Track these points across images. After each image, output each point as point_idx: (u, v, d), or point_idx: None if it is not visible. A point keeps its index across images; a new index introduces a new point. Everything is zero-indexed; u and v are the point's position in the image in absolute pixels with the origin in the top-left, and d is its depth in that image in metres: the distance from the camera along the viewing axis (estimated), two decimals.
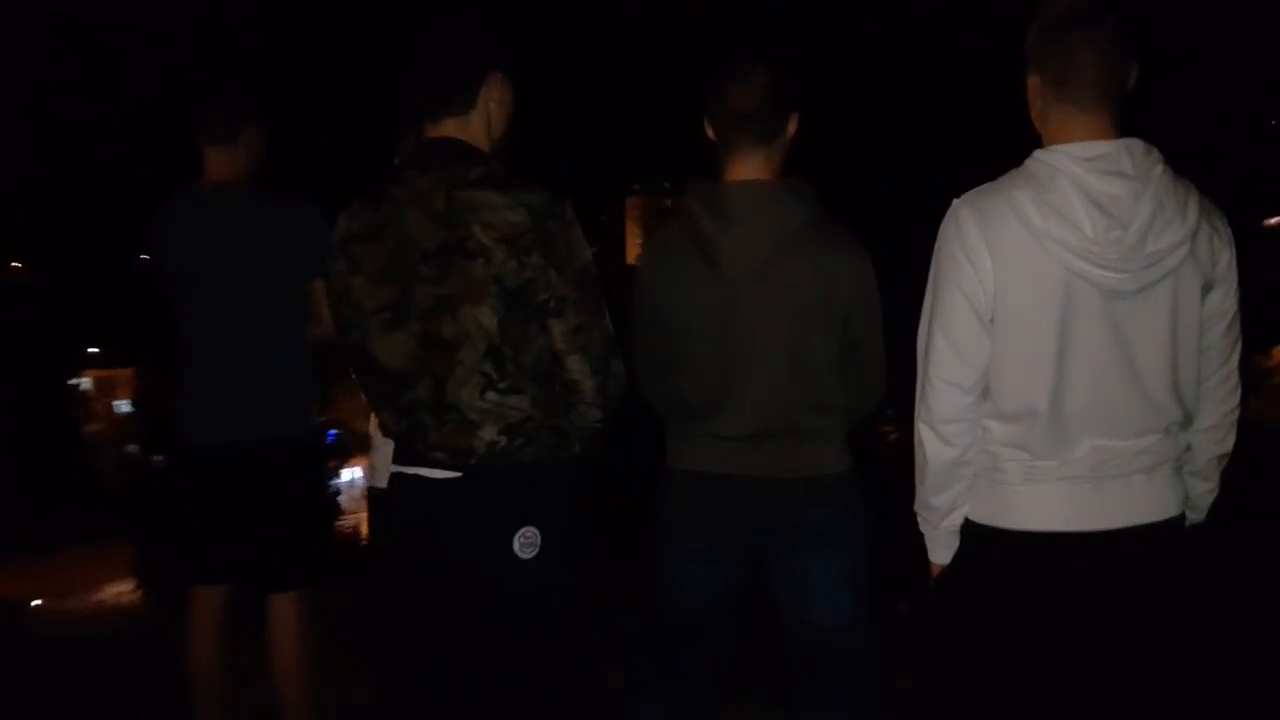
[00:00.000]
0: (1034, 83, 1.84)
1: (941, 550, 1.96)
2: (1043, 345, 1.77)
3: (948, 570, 1.96)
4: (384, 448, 2.42)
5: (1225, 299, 1.82)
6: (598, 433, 1.94)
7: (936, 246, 1.85)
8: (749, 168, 2.09)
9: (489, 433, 1.84)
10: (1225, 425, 1.91)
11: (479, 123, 1.90)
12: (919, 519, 1.97)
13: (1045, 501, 1.81)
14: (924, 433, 1.87)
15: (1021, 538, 1.83)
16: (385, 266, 1.84)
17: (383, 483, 2.42)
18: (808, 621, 2.16)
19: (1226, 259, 1.80)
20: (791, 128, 2.10)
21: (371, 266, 1.85)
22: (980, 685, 1.90)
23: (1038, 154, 1.80)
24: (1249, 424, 1.99)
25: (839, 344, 2.08)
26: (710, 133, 2.14)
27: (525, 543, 1.86)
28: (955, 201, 1.84)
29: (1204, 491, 1.95)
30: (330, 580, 2.79)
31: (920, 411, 1.88)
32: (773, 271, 2.03)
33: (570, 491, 1.96)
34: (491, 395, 1.83)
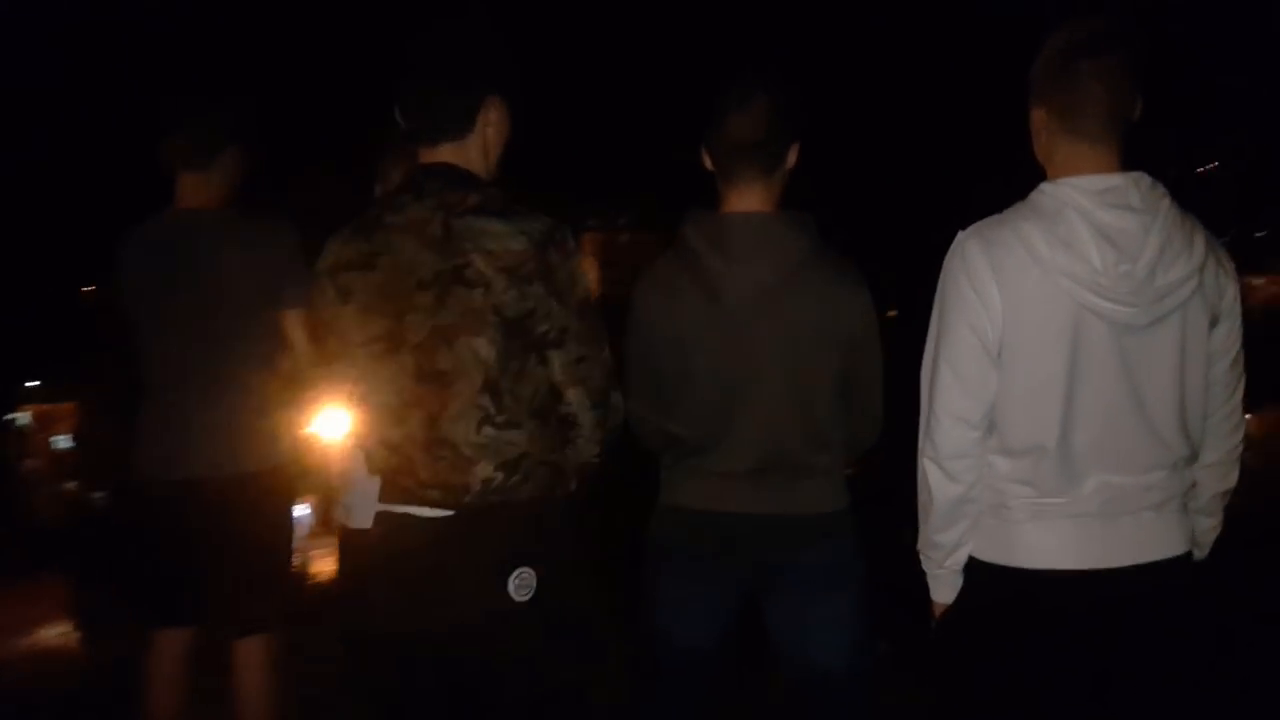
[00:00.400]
0: (1039, 115, 1.83)
1: (945, 589, 1.91)
2: (1051, 379, 1.74)
3: (951, 609, 1.92)
4: (365, 485, 2.33)
5: (1230, 333, 1.81)
6: (594, 468, 1.88)
7: (942, 279, 1.82)
8: (749, 199, 2.05)
9: (484, 469, 1.77)
10: (1229, 461, 1.89)
11: (476, 148, 1.84)
12: (922, 558, 1.92)
13: (1053, 539, 1.78)
14: (929, 469, 1.83)
15: (1028, 576, 1.79)
16: (377, 296, 1.77)
17: (362, 522, 2.32)
18: (805, 664, 2.10)
19: (1232, 293, 1.79)
20: (792, 158, 2.07)
21: (363, 296, 1.78)
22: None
23: (1044, 187, 1.78)
24: None
25: (839, 378, 2.04)
26: (707, 162, 2.10)
27: (520, 584, 1.78)
28: (960, 234, 1.81)
29: (1208, 528, 1.93)
30: (297, 623, 2.68)
31: (925, 447, 1.84)
32: (774, 304, 1.99)
33: (567, 530, 1.89)
34: (488, 430, 1.76)
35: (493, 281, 1.72)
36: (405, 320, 1.75)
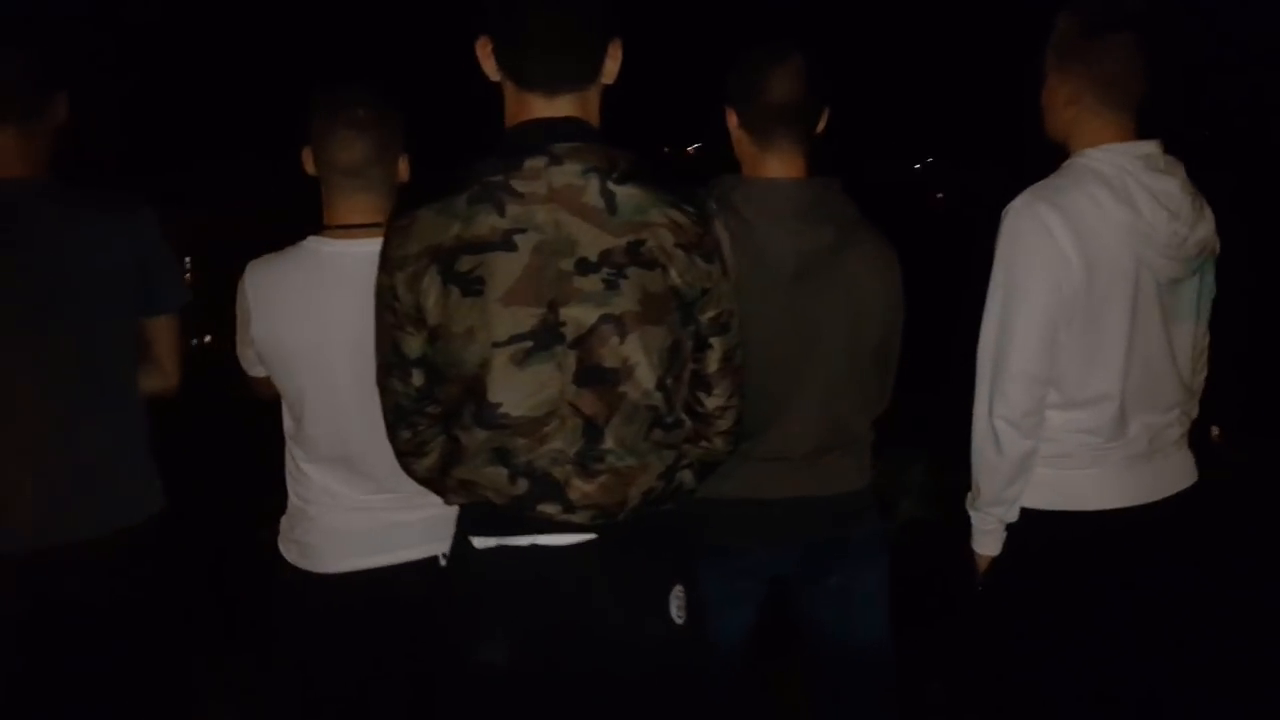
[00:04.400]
0: (1066, 87, 1.92)
1: (996, 542, 1.99)
2: (1119, 332, 1.87)
3: (999, 560, 2.00)
4: (327, 519, 1.91)
5: (1213, 279, 2.05)
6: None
7: (1009, 245, 1.86)
8: (788, 164, 1.94)
9: (648, 479, 1.52)
10: (1199, 393, 2.15)
11: (595, 99, 1.53)
12: (980, 515, 1.97)
13: (1113, 481, 1.92)
14: (1002, 428, 1.88)
15: (1089, 517, 1.92)
16: (522, 283, 1.43)
17: (328, 565, 1.90)
18: (846, 641, 2.06)
19: (1217, 244, 2.03)
20: (822, 123, 1.99)
21: (501, 283, 1.43)
22: (1048, 664, 1.95)
23: (1095, 154, 1.88)
24: None
25: (880, 344, 2.01)
26: (736, 124, 1.96)
27: (679, 604, 1.57)
28: (1019, 202, 1.86)
29: None
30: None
31: (994, 408, 1.88)
32: (833, 270, 1.92)
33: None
34: (658, 433, 1.51)
35: (673, 260, 1.46)
36: (563, 311, 1.44)
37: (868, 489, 2.06)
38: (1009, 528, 1.98)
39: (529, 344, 1.44)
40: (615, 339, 1.46)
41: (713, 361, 1.57)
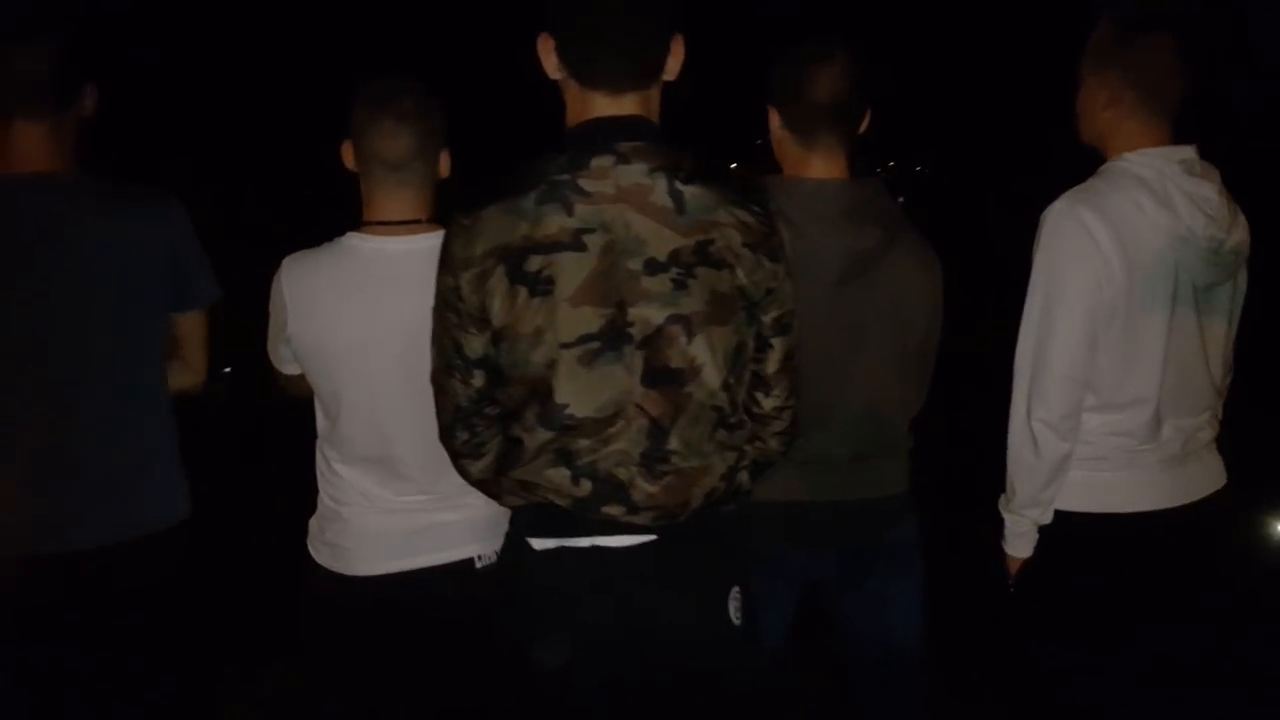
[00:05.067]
0: (1106, 89, 1.93)
1: (1029, 545, 2.00)
2: (1157, 337, 1.88)
3: (1030, 562, 2.01)
4: (363, 520, 1.87)
5: (1245, 283, 2.07)
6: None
7: (1050, 248, 1.86)
8: (832, 165, 1.93)
9: (710, 481, 1.50)
10: (1225, 394, 2.17)
11: (657, 98, 1.51)
12: (1015, 518, 1.98)
13: (1146, 483, 1.93)
14: (1042, 431, 1.89)
15: (1123, 519, 1.93)
16: (591, 282, 1.41)
17: (366, 568, 1.86)
18: (881, 643, 2.05)
19: (1249, 246, 2.05)
20: (865, 123, 1.99)
21: (569, 283, 1.41)
22: (1087, 664, 1.96)
23: (1135, 158, 1.89)
24: None
25: (921, 347, 2.01)
26: (779, 124, 1.95)
27: (737, 605, 1.56)
28: (1060, 205, 1.86)
29: None
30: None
31: (1034, 411, 1.89)
32: (878, 272, 1.91)
33: None
34: (721, 434, 1.50)
35: (741, 260, 1.45)
36: (630, 311, 1.43)
37: (907, 492, 2.05)
38: (1042, 530, 1.99)
39: (597, 344, 1.42)
40: (683, 339, 1.44)
41: (773, 362, 1.56)
